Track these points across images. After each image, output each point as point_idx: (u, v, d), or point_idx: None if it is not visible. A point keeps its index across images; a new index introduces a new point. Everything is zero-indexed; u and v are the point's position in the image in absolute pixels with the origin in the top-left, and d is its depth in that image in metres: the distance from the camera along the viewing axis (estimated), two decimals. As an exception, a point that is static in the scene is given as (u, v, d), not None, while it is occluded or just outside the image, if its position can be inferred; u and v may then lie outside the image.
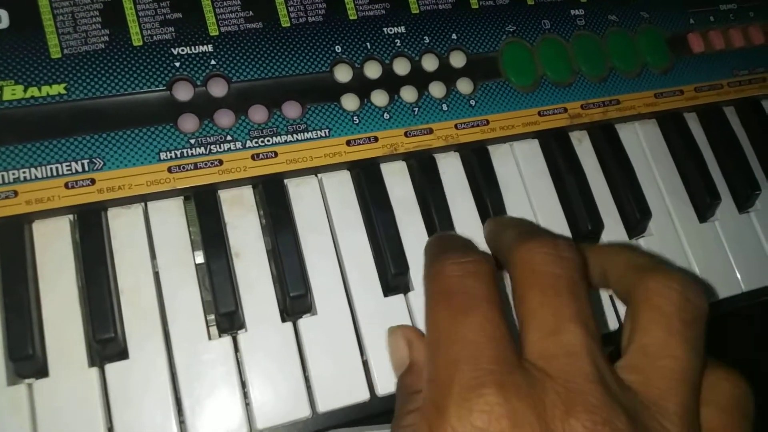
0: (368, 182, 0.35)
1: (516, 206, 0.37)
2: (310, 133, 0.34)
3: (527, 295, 0.24)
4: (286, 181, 0.34)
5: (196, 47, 0.34)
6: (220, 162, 0.32)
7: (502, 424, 0.20)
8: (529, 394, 0.21)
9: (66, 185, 0.30)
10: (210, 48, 0.34)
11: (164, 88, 0.33)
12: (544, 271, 0.24)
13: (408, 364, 0.28)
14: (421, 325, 0.33)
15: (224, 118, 0.33)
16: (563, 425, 0.20)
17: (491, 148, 0.38)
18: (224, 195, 0.33)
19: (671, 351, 0.23)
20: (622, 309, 0.36)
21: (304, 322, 0.32)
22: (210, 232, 0.32)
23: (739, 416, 0.24)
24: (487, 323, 0.23)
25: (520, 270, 0.25)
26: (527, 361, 0.22)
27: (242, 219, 0.33)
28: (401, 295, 0.34)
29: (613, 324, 0.36)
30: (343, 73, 0.36)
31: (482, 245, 0.35)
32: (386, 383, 0.31)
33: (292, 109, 0.34)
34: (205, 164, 0.32)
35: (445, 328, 0.23)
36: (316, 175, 0.35)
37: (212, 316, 0.31)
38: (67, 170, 0.30)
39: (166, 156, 0.32)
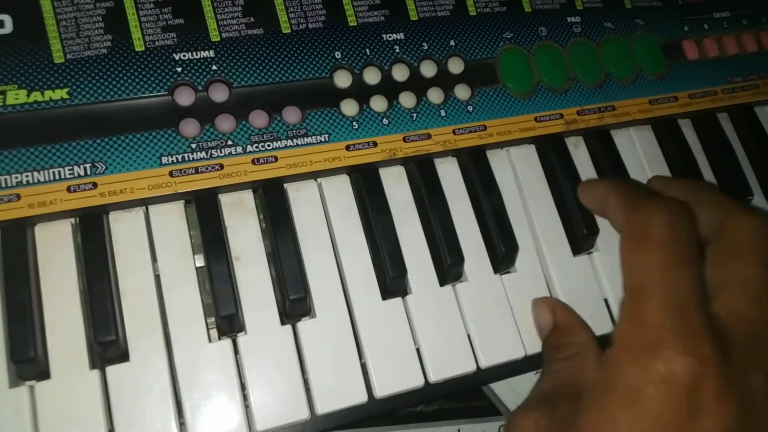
0: (367, 187, 0.35)
1: (512, 211, 0.37)
2: (309, 138, 0.35)
3: (741, 262, 0.26)
4: (286, 185, 0.35)
5: (198, 53, 0.34)
6: (221, 166, 0.33)
7: (710, 371, 0.23)
8: (727, 350, 0.24)
9: (68, 189, 0.31)
10: (211, 53, 0.34)
11: (166, 93, 0.33)
12: (761, 247, 0.27)
13: (552, 326, 0.33)
14: (420, 328, 0.33)
15: (225, 123, 0.33)
16: (749, 378, 0.24)
17: (488, 153, 0.39)
18: (225, 199, 0.34)
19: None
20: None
21: (304, 324, 0.32)
22: (210, 235, 0.32)
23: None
24: (698, 280, 0.25)
25: (741, 236, 0.27)
26: (718, 314, 0.25)
27: (242, 223, 0.34)
28: (399, 299, 0.34)
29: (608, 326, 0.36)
30: (342, 79, 0.36)
31: (470, 252, 0.36)
32: (384, 386, 0.32)
33: (292, 115, 0.35)
34: (206, 168, 0.33)
35: (659, 275, 0.25)
36: (316, 180, 0.35)
37: (212, 319, 0.32)
38: (70, 174, 0.31)
39: (168, 160, 0.32)
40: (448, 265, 0.34)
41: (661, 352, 0.23)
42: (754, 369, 0.24)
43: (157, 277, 0.32)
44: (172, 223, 0.33)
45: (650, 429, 0.23)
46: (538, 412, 0.29)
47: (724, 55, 0.45)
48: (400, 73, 0.37)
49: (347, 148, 0.35)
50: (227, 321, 0.31)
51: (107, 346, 0.29)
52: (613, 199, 0.31)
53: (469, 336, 0.34)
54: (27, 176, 0.30)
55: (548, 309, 0.34)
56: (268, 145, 0.34)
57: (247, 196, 0.34)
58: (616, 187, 0.32)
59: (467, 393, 0.46)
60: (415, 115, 0.37)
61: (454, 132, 0.37)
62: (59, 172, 0.31)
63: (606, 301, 0.37)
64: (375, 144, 0.35)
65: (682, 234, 0.26)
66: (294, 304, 0.32)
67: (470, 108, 0.38)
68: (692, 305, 0.24)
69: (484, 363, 0.34)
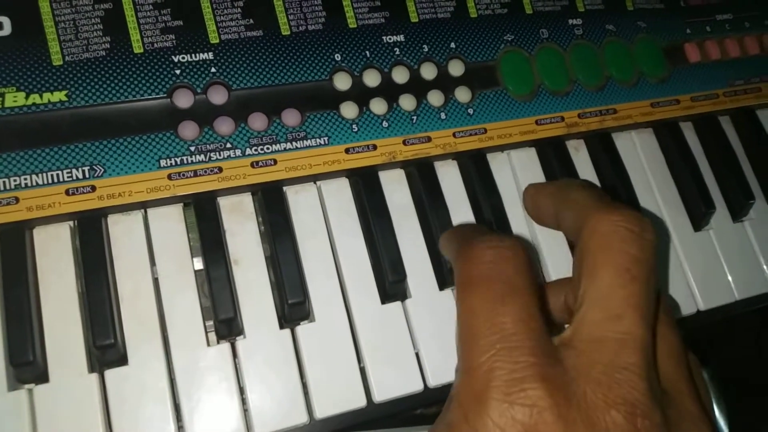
0: (367, 190, 0.35)
1: (513, 214, 0.37)
2: (309, 140, 0.34)
3: (599, 271, 0.23)
4: (285, 188, 0.35)
5: (197, 55, 0.34)
6: (220, 169, 0.33)
7: (545, 418, 0.20)
8: (570, 386, 0.21)
9: (67, 192, 0.30)
10: (210, 55, 0.34)
11: (165, 95, 0.33)
12: (623, 250, 0.23)
13: None
14: (419, 332, 0.33)
15: (224, 126, 0.33)
16: (604, 416, 0.20)
17: (488, 157, 0.38)
18: (223, 202, 0.34)
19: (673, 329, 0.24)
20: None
21: (302, 328, 0.32)
22: (209, 238, 0.32)
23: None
24: (526, 314, 0.22)
25: (596, 242, 0.24)
26: (571, 342, 0.22)
27: (241, 226, 0.33)
28: (399, 303, 0.34)
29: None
30: (342, 82, 0.36)
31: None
32: (383, 390, 0.32)
33: (291, 117, 0.34)
34: (205, 171, 0.32)
35: (483, 316, 0.22)
36: (315, 183, 0.35)
37: (211, 323, 0.32)
38: (68, 177, 0.31)
39: (166, 163, 0.32)
40: (448, 269, 0.34)
41: (488, 404, 0.21)
42: (608, 405, 0.21)
43: (156, 281, 0.32)
44: (171, 227, 0.33)
45: None
46: None
47: (726, 58, 0.45)
48: (400, 76, 0.37)
49: (347, 151, 0.35)
50: (226, 325, 0.31)
51: (106, 349, 0.29)
52: (450, 248, 0.29)
53: (468, 340, 0.34)
54: (25, 179, 0.30)
55: None
56: (268, 148, 0.34)
57: (246, 200, 0.34)
58: (451, 235, 0.30)
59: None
60: (415, 117, 0.37)
61: (454, 135, 0.37)
62: (58, 175, 0.31)
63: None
64: (375, 147, 0.35)
65: (503, 269, 0.23)
66: (293, 308, 0.32)
67: (471, 111, 0.38)
68: (520, 343, 0.21)
69: (484, 367, 0.34)
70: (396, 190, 0.36)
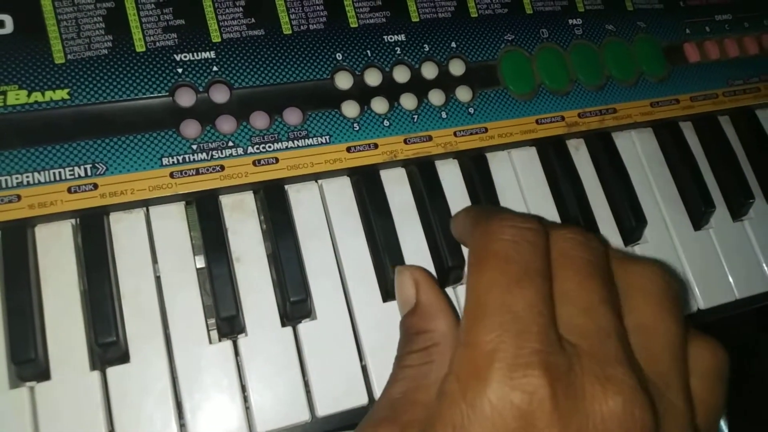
0: (368, 188, 0.35)
1: (513, 213, 0.37)
2: (310, 139, 0.34)
3: (560, 274, 0.24)
4: (286, 186, 0.35)
5: (199, 54, 0.34)
6: (222, 168, 0.33)
7: (543, 406, 0.20)
8: (570, 376, 0.21)
9: (69, 190, 0.31)
10: (212, 54, 0.34)
11: (167, 94, 0.33)
12: (576, 256, 0.24)
13: (414, 305, 0.28)
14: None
15: (226, 124, 0.33)
16: (601, 407, 0.21)
17: (489, 156, 0.39)
18: (225, 200, 0.34)
19: (667, 327, 0.24)
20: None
21: (304, 326, 0.32)
22: (211, 236, 0.32)
23: (719, 382, 0.25)
24: (539, 299, 0.22)
25: (551, 252, 0.25)
26: (563, 338, 0.22)
27: (243, 224, 0.33)
28: (400, 301, 0.34)
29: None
30: (343, 81, 0.36)
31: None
32: (385, 388, 0.32)
33: (293, 116, 0.35)
34: (207, 170, 0.33)
35: (496, 294, 0.22)
36: (317, 181, 0.35)
37: (213, 321, 0.32)
38: (70, 175, 0.31)
39: (168, 161, 0.32)
40: (449, 268, 0.34)
41: (488, 383, 0.21)
42: (604, 395, 0.21)
43: (158, 279, 0.32)
44: (173, 225, 0.33)
45: None
46: None
47: (726, 58, 0.45)
48: (401, 75, 0.37)
49: (348, 149, 0.35)
50: (228, 322, 0.31)
51: (107, 347, 0.29)
52: (465, 223, 0.29)
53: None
54: (27, 177, 0.30)
55: (412, 282, 0.28)
56: (269, 147, 0.34)
57: (248, 198, 0.34)
58: (470, 210, 0.30)
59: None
60: (416, 116, 0.37)
61: (455, 134, 0.37)
62: (60, 172, 0.31)
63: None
64: (376, 146, 0.35)
65: (522, 249, 0.23)
66: (294, 305, 0.32)
67: (471, 110, 0.38)
68: (528, 327, 0.21)
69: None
70: (397, 188, 0.36)
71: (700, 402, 0.24)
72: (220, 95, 0.34)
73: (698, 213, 0.41)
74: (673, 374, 0.23)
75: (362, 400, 0.31)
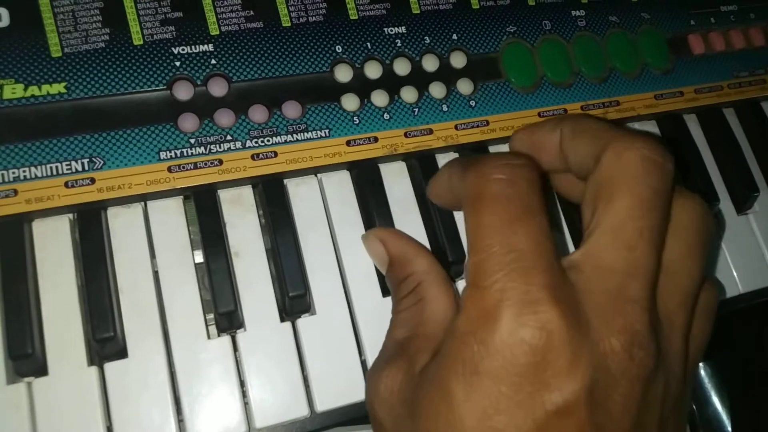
0: (368, 182, 0.35)
1: (515, 207, 0.37)
2: (310, 133, 0.34)
3: (618, 199, 0.23)
4: (285, 181, 0.34)
5: (197, 46, 0.34)
6: (220, 162, 0.32)
7: (553, 341, 0.20)
8: (577, 310, 0.21)
9: (66, 184, 0.30)
10: (210, 47, 0.34)
11: (164, 87, 0.33)
12: (644, 181, 0.23)
13: (388, 260, 0.29)
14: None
15: (224, 118, 0.33)
16: (604, 342, 0.21)
17: (491, 149, 0.38)
18: (224, 195, 0.33)
19: (688, 269, 0.24)
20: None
21: (303, 321, 0.32)
22: (209, 231, 0.32)
23: (709, 318, 0.26)
24: (541, 234, 0.22)
25: (618, 168, 0.24)
26: (578, 267, 0.22)
27: (242, 219, 0.33)
28: (400, 296, 0.34)
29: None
30: (343, 73, 0.35)
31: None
32: (384, 383, 0.32)
33: (292, 109, 0.34)
34: (205, 164, 0.32)
35: (498, 235, 0.22)
36: (316, 175, 0.35)
37: (211, 316, 0.32)
38: (67, 169, 0.31)
39: (166, 155, 0.32)
40: (450, 262, 0.34)
41: (499, 322, 0.21)
42: (609, 332, 0.21)
43: (156, 274, 0.31)
44: (171, 219, 0.32)
45: (489, 409, 0.21)
46: (394, 368, 0.25)
47: (731, 50, 0.44)
48: (401, 68, 0.37)
49: (348, 143, 0.35)
50: (226, 318, 0.31)
51: (105, 342, 0.29)
52: (451, 175, 0.28)
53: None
54: (24, 171, 0.30)
55: (378, 241, 0.30)
56: (268, 141, 0.33)
57: (247, 192, 0.34)
58: (454, 162, 0.29)
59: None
60: (416, 110, 0.36)
61: (456, 127, 0.37)
62: (57, 167, 0.30)
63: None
64: (376, 139, 0.35)
65: (520, 187, 0.23)
66: (294, 301, 0.32)
67: (473, 103, 0.37)
68: (534, 263, 0.22)
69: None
70: (397, 182, 0.36)
71: (692, 338, 0.25)
72: (218, 89, 0.33)
73: (702, 207, 0.41)
74: (680, 315, 0.23)
75: (362, 395, 0.31)
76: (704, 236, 0.25)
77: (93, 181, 0.31)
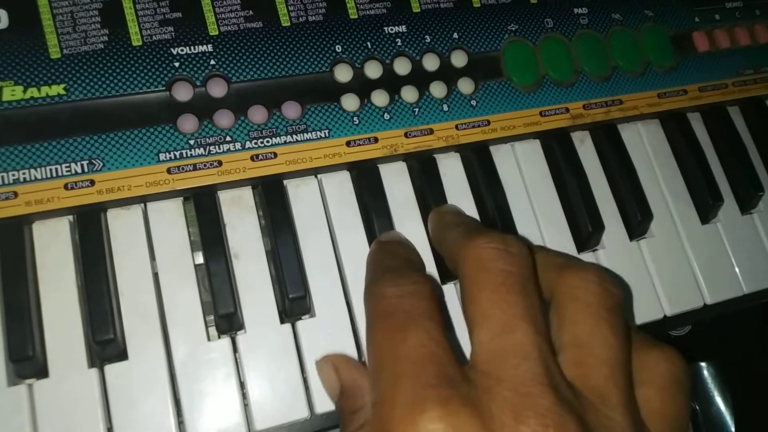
0: (368, 183, 0.35)
1: (516, 207, 0.37)
2: (309, 133, 0.34)
3: (477, 295, 0.24)
4: (285, 181, 0.34)
5: (196, 47, 0.34)
6: (220, 163, 0.32)
7: None
8: (474, 405, 0.20)
9: (65, 186, 0.30)
10: (209, 48, 0.34)
11: (164, 88, 0.33)
12: (493, 268, 0.24)
13: (340, 389, 0.28)
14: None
15: (224, 119, 0.33)
16: None
17: (492, 149, 0.38)
18: (223, 196, 0.33)
19: (603, 339, 0.23)
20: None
21: (303, 323, 0.32)
22: (209, 233, 0.32)
23: (678, 392, 0.24)
24: (427, 340, 0.22)
25: (469, 268, 0.25)
26: (475, 367, 0.22)
27: (241, 220, 0.33)
28: (400, 297, 0.33)
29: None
30: (343, 73, 0.35)
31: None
32: (384, 385, 0.32)
33: (291, 110, 0.34)
34: (205, 165, 0.32)
35: (386, 347, 0.23)
36: (316, 176, 0.35)
37: (211, 317, 0.32)
38: (67, 171, 0.31)
39: (166, 157, 0.32)
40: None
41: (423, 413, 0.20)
42: (516, 421, 0.20)
43: (156, 275, 0.31)
44: (171, 221, 0.32)
45: None
46: None
47: (736, 47, 0.44)
48: (402, 67, 0.36)
49: (348, 143, 0.34)
50: (226, 319, 0.31)
51: (105, 344, 0.29)
52: (452, 231, 0.30)
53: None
54: (24, 174, 0.30)
55: (332, 367, 0.29)
56: (268, 141, 0.33)
57: (246, 193, 0.34)
58: (458, 219, 0.32)
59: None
60: (417, 109, 0.36)
61: (456, 127, 0.36)
62: (56, 169, 0.30)
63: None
64: (376, 140, 0.35)
65: (406, 302, 0.24)
66: (293, 302, 0.32)
67: (474, 102, 0.37)
68: (423, 368, 0.22)
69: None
70: (397, 183, 0.36)
71: (659, 415, 0.23)
72: (217, 89, 0.33)
73: (706, 206, 0.40)
74: (611, 388, 0.22)
75: (362, 397, 0.31)
76: (606, 303, 0.24)
77: (93, 182, 0.31)
